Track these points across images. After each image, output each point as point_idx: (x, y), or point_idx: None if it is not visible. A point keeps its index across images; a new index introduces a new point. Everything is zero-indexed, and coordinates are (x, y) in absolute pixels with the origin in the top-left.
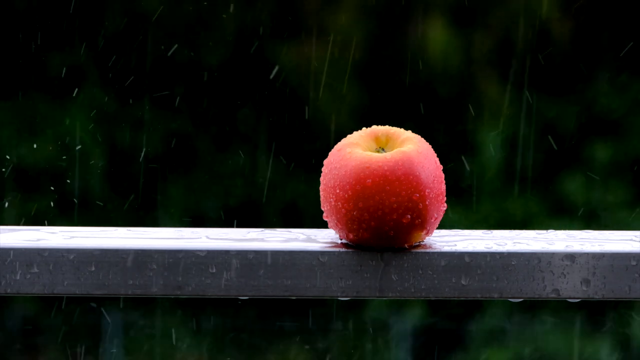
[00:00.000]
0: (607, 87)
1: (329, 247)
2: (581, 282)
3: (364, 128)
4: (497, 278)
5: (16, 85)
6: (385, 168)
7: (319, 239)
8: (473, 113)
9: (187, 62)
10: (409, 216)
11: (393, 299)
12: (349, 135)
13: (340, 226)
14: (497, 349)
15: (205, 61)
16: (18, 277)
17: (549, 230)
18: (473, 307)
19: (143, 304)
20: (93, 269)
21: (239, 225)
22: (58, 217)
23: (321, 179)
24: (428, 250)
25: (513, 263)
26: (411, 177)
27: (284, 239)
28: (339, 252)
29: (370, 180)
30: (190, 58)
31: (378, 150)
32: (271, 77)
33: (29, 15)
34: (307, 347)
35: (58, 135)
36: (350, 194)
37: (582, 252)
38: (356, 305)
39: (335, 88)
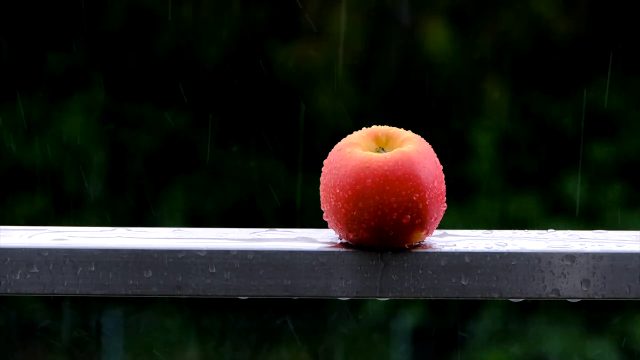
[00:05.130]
0: (607, 87)
1: (329, 247)
2: (581, 282)
3: (364, 128)
4: (497, 278)
5: (16, 85)
6: (385, 168)
7: (319, 239)
8: (473, 113)
9: (187, 62)
10: (409, 216)
11: (393, 299)
12: (348, 135)
13: (340, 226)
14: (496, 349)
15: (205, 61)
16: (18, 277)
17: (549, 230)
18: (473, 307)
19: (143, 304)
20: (93, 269)
21: (239, 225)
22: (58, 217)
23: (321, 179)
24: (428, 250)
25: (513, 263)
26: (411, 177)
27: (284, 239)
28: (339, 252)
29: (370, 180)
30: (190, 58)
31: (378, 150)
32: (271, 76)
33: (29, 15)
34: (307, 347)
35: (58, 135)
36: (350, 194)
37: (582, 252)
38: (356, 305)
39: (335, 88)
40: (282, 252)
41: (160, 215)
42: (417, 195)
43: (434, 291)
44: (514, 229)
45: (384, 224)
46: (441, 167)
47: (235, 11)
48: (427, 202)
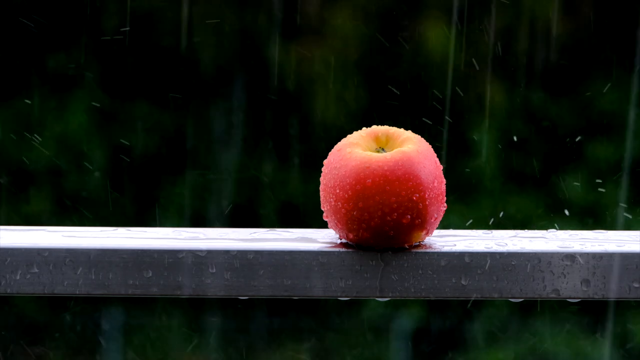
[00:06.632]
0: (607, 87)
1: (329, 247)
2: (581, 282)
3: (363, 128)
4: (497, 278)
5: (16, 85)
6: (385, 168)
7: (319, 239)
8: (473, 113)
9: (187, 62)
10: (409, 216)
11: (393, 299)
12: (349, 135)
13: (340, 226)
14: (496, 349)
15: (205, 61)
16: (18, 277)
17: (549, 230)
18: (473, 307)
19: (143, 304)
20: (93, 269)
21: (239, 225)
22: (58, 217)
23: (321, 179)
24: (428, 250)
25: (513, 263)
26: (411, 177)
27: (284, 239)
28: (339, 252)
29: (370, 180)
30: (190, 57)
31: (378, 150)
32: (271, 76)
33: (28, 15)
34: (307, 347)
35: (58, 135)
36: (350, 194)
37: (582, 252)
38: (356, 305)
39: (335, 88)
40: (282, 252)
41: (160, 215)
42: (417, 195)
43: (434, 291)
44: (514, 229)
45: (384, 224)
46: (441, 167)
47: (235, 11)
48: (427, 202)
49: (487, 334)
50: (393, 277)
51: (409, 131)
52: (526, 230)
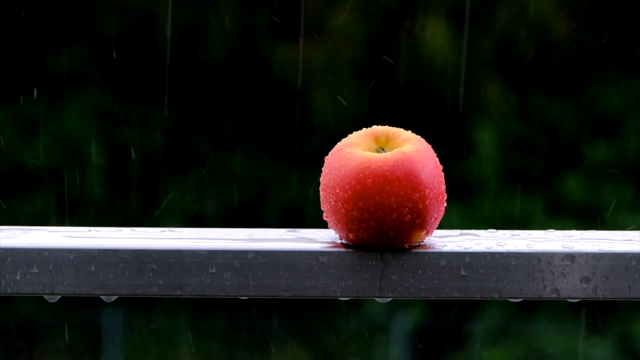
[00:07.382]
0: (607, 87)
1: (329, 247)
2: (581, 282)
3: (363, 128)
4: (497, 278)
5: (16, 85)
6: (385, 168)
7: (319, 239)
8: (473, 113)
9: (187, 62)
10: (409, 216)
11: (393, 299)
12: (349, 135)
13: (340, 226)
14: (497, 349)
15: (205, 61)
16: (18, 277)
17: (549, 230)
18: (473, 307)
19: (143, 304)
20: (93, 269)
21: (239, 225)
22: (58, 217)
23: (321, 179)
24: (428, 250)
25: (513, 263)
26: (411, 177)
27: (284, 239)
28: (339, 252)
29: (370, 180)
30: (190, 58)
31: (378, 150)
32: (271, 76)
33: (29, 16)
34: (307, 347)
35: (58, 135)
36: (350, 194)
37: (582, 252)
38: (356, 305)
39: (335, 88)
40: (282, 252)
41: (160, 216)
42: (417, 195)
43: (434, 291)
44: (515, 229)
45: (384, 224)
46: (441, 167)
47: (236, 11)
48: (427, 202)
49: (487, 333)
50: (393, 277)
51: (409, 131)
52: (526, 230)
